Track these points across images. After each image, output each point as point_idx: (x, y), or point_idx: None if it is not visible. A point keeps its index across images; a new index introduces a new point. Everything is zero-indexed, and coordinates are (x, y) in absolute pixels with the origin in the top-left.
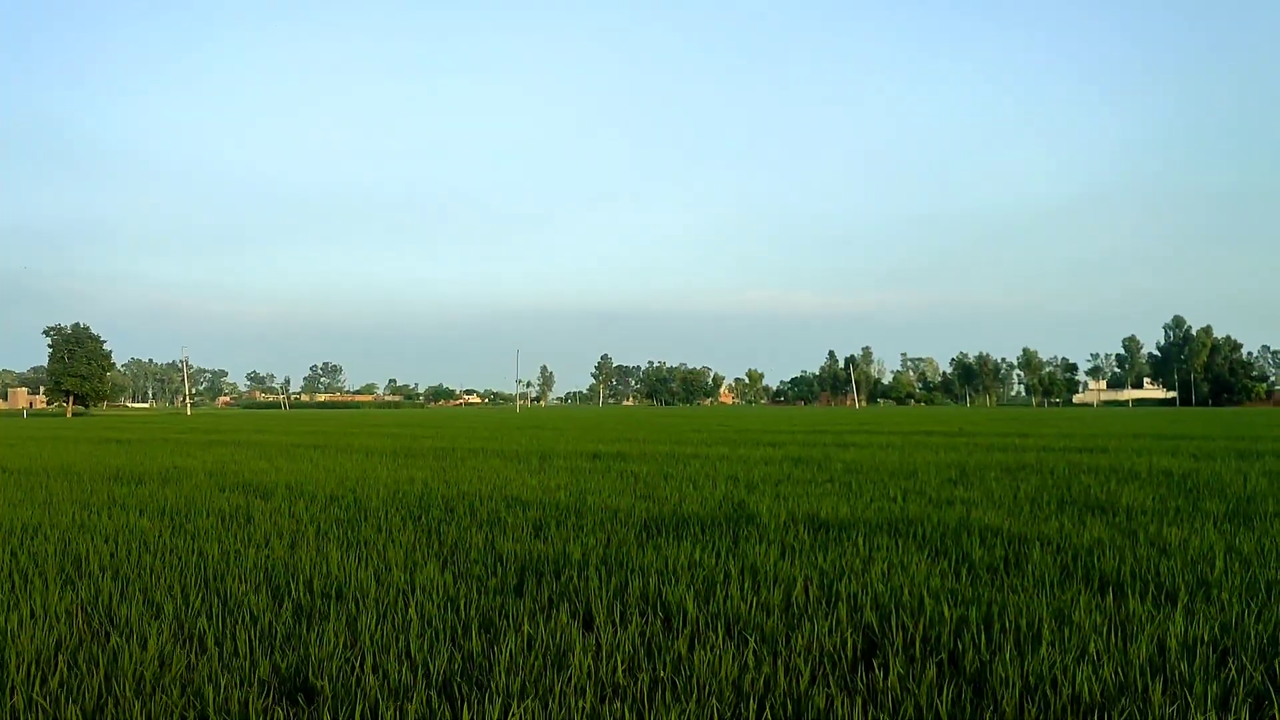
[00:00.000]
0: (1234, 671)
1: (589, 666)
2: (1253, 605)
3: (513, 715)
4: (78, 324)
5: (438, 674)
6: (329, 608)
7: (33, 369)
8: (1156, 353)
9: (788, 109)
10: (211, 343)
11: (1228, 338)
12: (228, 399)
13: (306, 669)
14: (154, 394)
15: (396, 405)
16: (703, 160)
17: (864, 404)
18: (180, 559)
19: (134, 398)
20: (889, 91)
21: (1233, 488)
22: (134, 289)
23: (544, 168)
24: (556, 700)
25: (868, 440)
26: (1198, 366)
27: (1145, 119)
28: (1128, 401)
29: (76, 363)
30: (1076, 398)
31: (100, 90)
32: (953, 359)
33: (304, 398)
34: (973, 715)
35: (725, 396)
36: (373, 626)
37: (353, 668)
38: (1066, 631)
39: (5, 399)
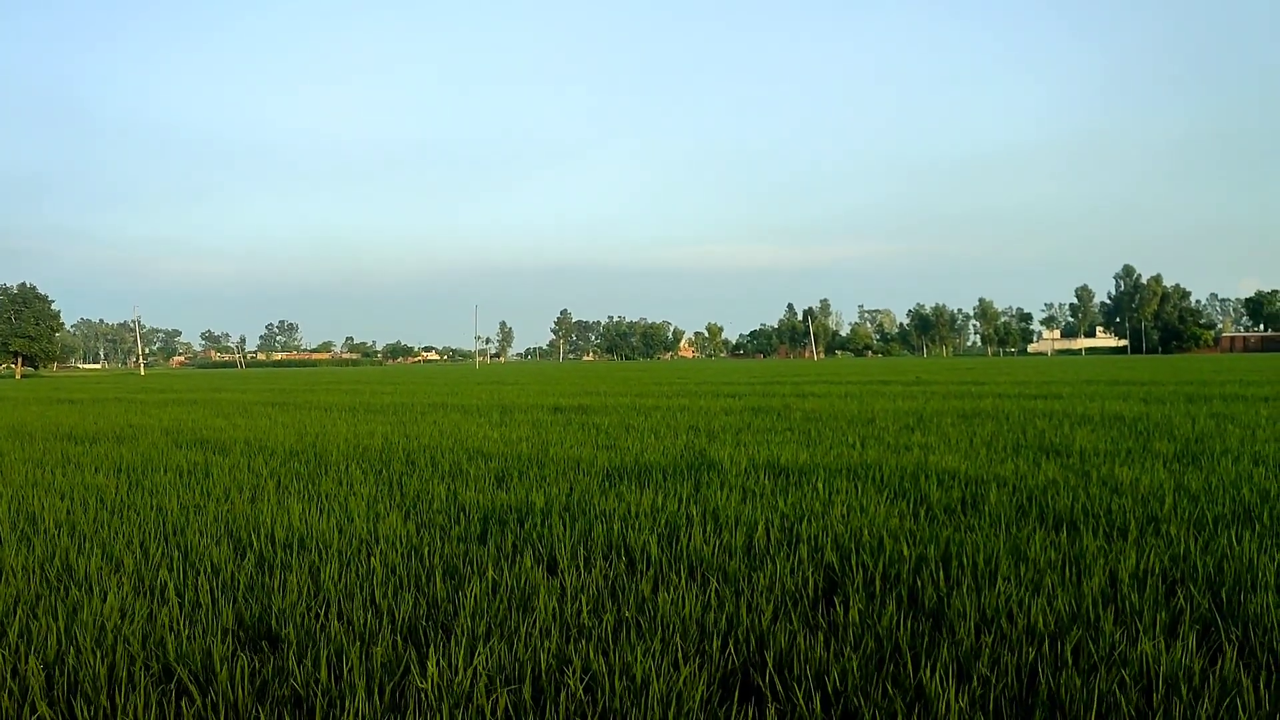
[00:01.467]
0: (1183, 600)
1: (554, 608)
2: (1200, 538)
3: (479, 656)
4: (24, 283)
5: (403, 619)
6: (291, 558)
7: None
8: (1108, 301)
9: (744, 58)
10: (165, 302)
11: (1177, 286)
12: (182, 359)
13: (270, 617)
14: (106, 355)
15: (354, 363)
16: (660, 112)
17: (822, 356)
18: (139, 514)
19: (85, 359)
20: (846, 37)
21: (1181, 430)
22: (82, 247)
23: (502, 121)
24: (522, 641)
25: (826, 390)
26: (1148, 315)
27: (1095, 68)
28: (1080, 350)
29: (24, 323)
30: (1031, 347)
31: (42, 42)
32: (909, 310)
33: (260, 356)
34: (931, 646)
35: (685, 350)
36: (336, 575)
37: (317, 615)
38: (1022, 567)
39: None
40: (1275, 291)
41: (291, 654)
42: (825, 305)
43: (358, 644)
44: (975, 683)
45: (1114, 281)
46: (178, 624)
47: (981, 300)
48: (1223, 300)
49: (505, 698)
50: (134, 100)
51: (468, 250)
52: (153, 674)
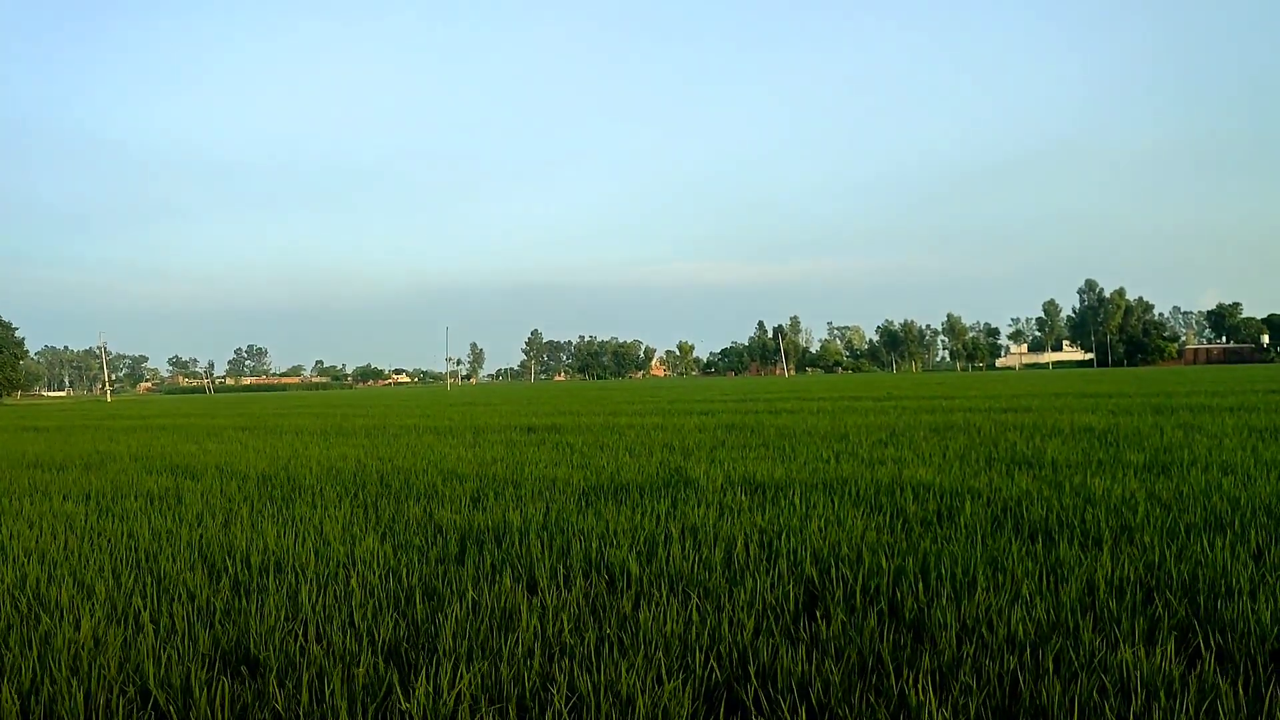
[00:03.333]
0: (1160, 607)
1: (536, 627)
2: (1173, 546)
3: (462, 677)
4: None
5: (384, 641)
6: (268, 581)
7: None
8: (1074, 315)
9: (715, 78)
10: (131, 327)
11: (1140, 299)
12: (149, 385)
13: (248, 641)
14: (71, 382)
15: (324, 387)
16: (629, 132)
17: (793, 372)
18: (110, 541)
19: (50, 386)
20: (813, 56)
21: (1150, 440)
22: (43, 271)
23: (472, 141)
24: (505, 661)
25: (798, 406)
26: (1113, 328)
27: (1058, 83)
28: (1048, 364)
29: None
30: (999, 361)
31: None
32: (879, 326)
33: (229, 381)
34: (913, 656)
35: (657, 369)
36: (314, 598)
37: (296, 638)
38: (1000, 577)
39: None
40: (1237, 304)
41: (273, 677)
42: (795, 322)
43: (339, 666)
44: (957, 692)
45: (1078, 296)
46: (155, 650)
47: (950, 316)
48: (1185, 313)
49: (491, 718)
50: (98, 121)
51: (438, 272)
52: (130, 700)
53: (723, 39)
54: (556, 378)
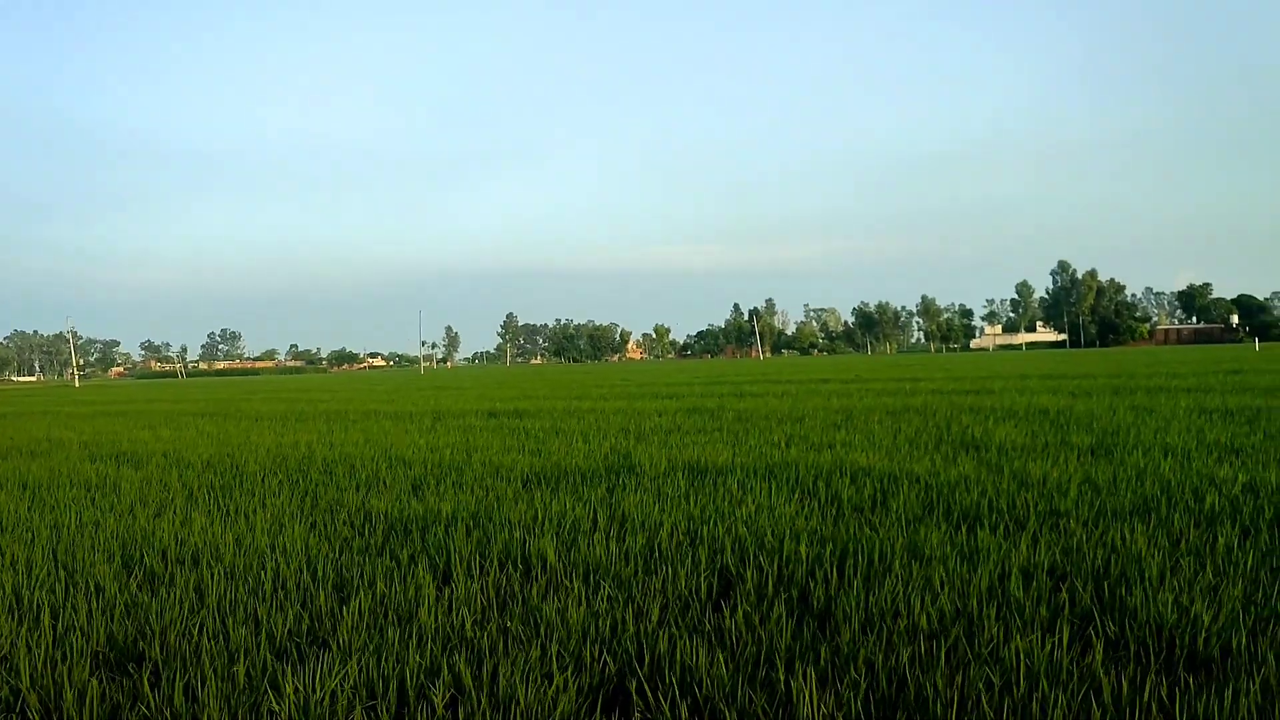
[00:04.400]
0: (1065, 595)
1: (438, 620)
2: (1096, 531)
3: (339, 673)
4: None
5: (281, 635)
6: (183, 573)
7: None
8: (1047, 297)
9: (693, 64)
10: (103, 312)
11: (1112, 280)
12: (121, 370)
13: (143, 637)
14: (41, 367)
15: (298, 371)
16: (604, 117)
17: (768, 355)
18: (32, 533)
19: (20, 371)
20: (787, 43)
21: (1101, 423)
22: (12, 255)
23: (446, 125)
24: (395, 654)
25: (765, 389)
26: (1085, 309)
27: (1033, 69)
28: (1021, 345)
29: None
30: (974, 343)
31: None
32: (854, 308)
33: (202, 366)
34: (811, 647)
35: (633, 352)
36: (222, 591)
37: (191, 634)
38: (915, 565)
39: None
40: (1207, 285)
41: (147, 676)
42: (770, 305)
43: (221, 662)
44: (845, 684)
45: (1051, 277)
46: (46, 647)
47: (924, 297)
48: (1158, 294)
49: (361, 715)
50: (66, 105)
51: (414, 255)
52: (3, 701)
53: (698, 23)
54: (533, 361)
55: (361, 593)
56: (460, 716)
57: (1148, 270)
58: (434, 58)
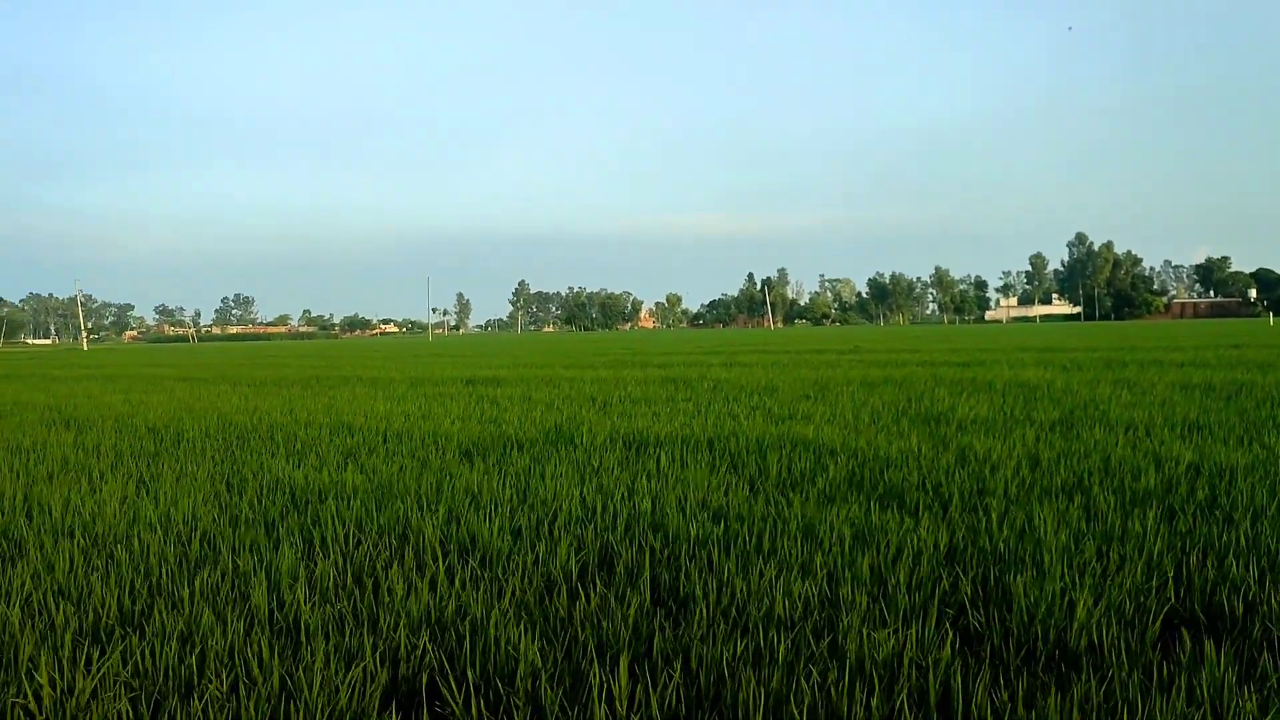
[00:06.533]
0: (946, 581)
1: (275, 602)
2: (1013, 511)
3: (111, 659)
4: None
5: (107, 614)
6: (48, 546)
7: None
8: (1062, 269)
9: (710, 31)
10: (118, 276)
11: (1128, 253)
12: (134, 334)
13: None
14: (57, 330)
15: (310, 336)
16: (622, 82)
17: (780, 325)
18: None
19: (35, 334)
20: (809, 9)
21: (1076, 397)
22: (27, 218)
23: (464, 90)
24: (200, 640)
25: (759, 360)
26: (1100, 282)
27: (1048, 35)
28: (1035, 318)
29: None
30: (988, 315)
31: None
32: (869, 279)
33: (215, 330)
34: (655, 633)
35: (645, 321)
36: (73, 566)
37: (9, 615)
38: (805, 546)
39: None
40: (1225, 258)
41: None
42: (783, 274)
43: (24, 647)
44: (662, 680)
45: (1067, 249)
46: None
47: (938, 269)
48: (1176, 267)
49: (125, 705)
50: (77, 66)
51: (426, 222)
52: None
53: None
54: (545, 329)
55: (211, 570)
56: (241, 705)
57: (1167, 244)
58: (450, 24)
